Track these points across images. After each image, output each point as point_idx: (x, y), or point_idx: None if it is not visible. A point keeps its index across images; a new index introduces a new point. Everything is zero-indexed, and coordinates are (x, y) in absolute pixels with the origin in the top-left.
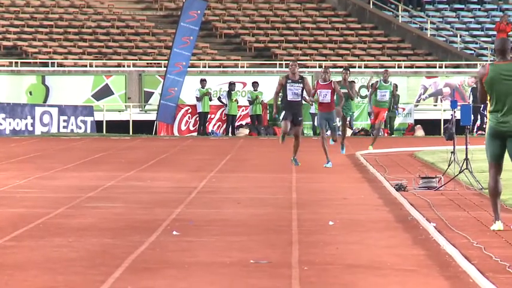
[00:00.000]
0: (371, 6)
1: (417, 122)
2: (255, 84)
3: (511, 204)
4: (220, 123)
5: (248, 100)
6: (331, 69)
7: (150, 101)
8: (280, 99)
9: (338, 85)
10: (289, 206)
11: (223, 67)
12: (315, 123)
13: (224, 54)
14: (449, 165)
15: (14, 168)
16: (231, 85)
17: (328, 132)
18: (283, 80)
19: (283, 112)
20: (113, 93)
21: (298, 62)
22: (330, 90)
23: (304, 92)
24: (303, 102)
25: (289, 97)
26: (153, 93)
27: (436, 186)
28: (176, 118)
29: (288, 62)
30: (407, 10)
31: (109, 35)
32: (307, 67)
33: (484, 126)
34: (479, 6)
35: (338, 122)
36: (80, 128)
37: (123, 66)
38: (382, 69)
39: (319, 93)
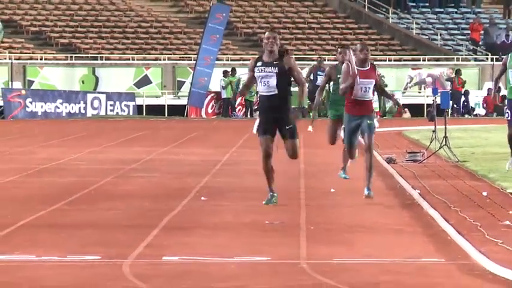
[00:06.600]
0: (366, 10)
1: (404, 106)
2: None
3: (481, 174)
4: (240, 107)
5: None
6: (326, 63)
7: (182, 88)
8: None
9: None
10: (298, 176)
11: (242, 60)
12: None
13: (244, 49)
14: (431, 142)
15: (68, 145)
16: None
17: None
18: (252, 64)
19: (257, 120)
20: (151, 82)
21: (305, 56)
22: (372, 81)
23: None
24: (290, 95)
25: (261, 90)
26: (185, 82)
27: (420, 160)
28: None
29: (299, 55)
30: (396, 13)
31: (148, 33)
32: (313, 60)
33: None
34: (455, 10)
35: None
36: (124, 111)
37: (160, 59)
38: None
39: (359, 84)
